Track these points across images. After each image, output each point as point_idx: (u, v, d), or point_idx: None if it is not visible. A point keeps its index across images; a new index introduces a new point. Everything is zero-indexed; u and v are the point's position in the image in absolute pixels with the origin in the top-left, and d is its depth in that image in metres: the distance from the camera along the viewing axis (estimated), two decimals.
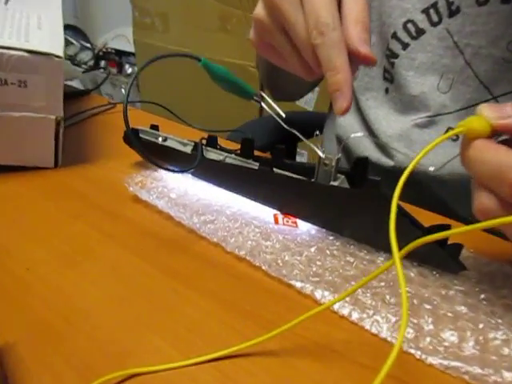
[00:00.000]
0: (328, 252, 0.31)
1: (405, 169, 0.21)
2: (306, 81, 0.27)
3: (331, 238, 0.32)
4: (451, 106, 0.42)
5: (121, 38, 1.97)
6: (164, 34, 1.44)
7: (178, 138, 0.40)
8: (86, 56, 2.07)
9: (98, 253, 0.31)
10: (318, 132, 0.32)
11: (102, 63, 2.06)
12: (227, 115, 1.16)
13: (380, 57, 0.47)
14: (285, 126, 0.33)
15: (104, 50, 2.05)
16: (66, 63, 0.88)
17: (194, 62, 0.30)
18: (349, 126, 0.51)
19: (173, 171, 0.33)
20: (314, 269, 0.29)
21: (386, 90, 0.48)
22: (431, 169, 0.27)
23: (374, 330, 0.25)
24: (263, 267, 0.29)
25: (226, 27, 1.27)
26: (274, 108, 0.34)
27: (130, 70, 1.94)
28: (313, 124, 0.71)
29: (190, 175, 0.39)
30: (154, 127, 0.42)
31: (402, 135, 0.47)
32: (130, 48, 1.78)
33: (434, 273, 0.29)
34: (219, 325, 0.25)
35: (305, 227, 0.33)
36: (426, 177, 0.45)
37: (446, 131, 0.44)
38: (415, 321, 0.25)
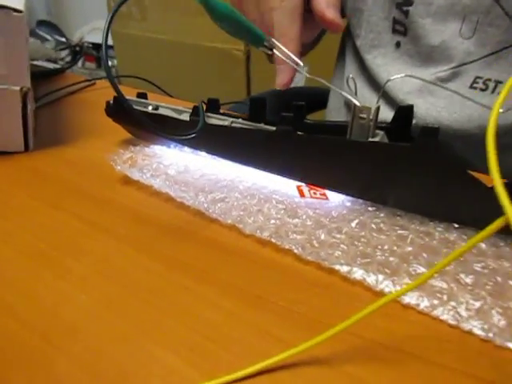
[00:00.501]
0: (374, 226, 0.25)
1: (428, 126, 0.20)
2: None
3: (371, 209, 0.27)
4: (477, 53, 0.38)
5: (97, 31, 1.90)
6: (142, 23, 1.36)
7: (172, 105, 0.34)
8: (62, 52, 1.99)
9: (83, 247, 0.24)
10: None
11: (80, 59, 1.99)
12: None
13: (387, 8, 0.42)
14: (306, 74, 0.27)
15: (80, 44, 1.97)
16: (34, 42, 0.80)
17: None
18: (357, 90, 0.46)
19: (174, 139, 0.27)
20: (361, 247, 0.23)
21: (397, 44, 0.43)
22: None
23: (451, 321, 0.19)
24: (294, 250, 0.23)
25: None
26: (289, 55, 0.28)
27: (109, 64, 1.88)
28: (317, 98, 0.67)
29: (189, 149, 0.34)
30: (142, 95, 0.35)
31: (422, 90, 0.42)
32: (108, 41, 1.71)
33: (509, 242, 0.23)
34: (248, 329, 0.19)
35: (337, 199, 0.28)
36: (451, 135, 0.41)
37: (473, 82, 0.40)
38: (505, 304, 0.19)
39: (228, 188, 0.28)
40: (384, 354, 0.18)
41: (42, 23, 2.02)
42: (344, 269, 0.22)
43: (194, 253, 0.24)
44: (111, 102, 0.34)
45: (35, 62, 0.61)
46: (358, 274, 0.22)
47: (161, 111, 0.33)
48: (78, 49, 1.95)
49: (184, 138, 0.26)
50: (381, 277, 0.21)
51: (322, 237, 0.24)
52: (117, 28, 1.45)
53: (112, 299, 0.21)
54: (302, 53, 0.56)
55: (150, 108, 0.33)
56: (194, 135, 0.26)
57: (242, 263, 0.23)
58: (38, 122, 0.41)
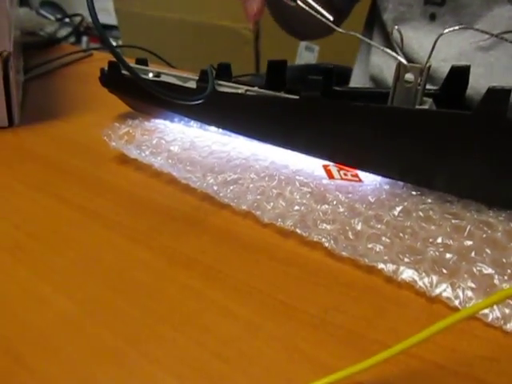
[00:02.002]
0: (421, 214, 0.21)
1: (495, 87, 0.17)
2: (312, 21, 0.24)
3: (415, 193, 0.23)
4: None
5: (102, 11, 1.87)
6: (148, 0, 1.31)
7: (176, 72, 0.30)
8: (66, 32, 1.96)
9: (68, 238, 0.21)
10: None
11: (84, 39, 1.96)
12: None
13: None
14: (336, 28, 0.22)
15: (85, 25, 1.94)
16: (27, 12, 0.75)
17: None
18: (384, 63, 0.45)
19: (179, 101, 0.23)
20: (408, 241, 0.19)
21: (432, 16, 0.40)
22: None
23: None
24: (325, 244, 0.19)
25: None
26: (317, 9, 0.23)
27: (114, 44, 1.85)
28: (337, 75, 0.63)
29: (195, 124, 0.30)
30: (142, 62, 0.32)
31: (461, 56, 0.39)
32: (113, 21, 1.67)
33: None
34: (271, 344, 0.15)
35: (371, 181, 0.24)
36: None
37: None
38: None
39: (242, 168, 0.25)
40: (449, 380, 0.14)
41: (45, 4, 1.98)
42: (388, 267, 0.18)
43: (202, 246, 0.20)
44: (106, 69, 0.30)
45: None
46: (406, 274, 0.18)
47: (163, 78, 0.29)
48: (81, 29, 1.92)
49: (191, 102, 0.23)
50: (435, 278, 0.17)
51: (359, 227, 0.20)
52: (121, 6, 1.40)
53: (100, 304, 0.17)
54: (339, 20, 0.53)
55: (151, 75, 0.30)
56: (201, 100, 0.23)
57: (259, 259, 0.19)
58: (28, 95, 0.38)
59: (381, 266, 0.18)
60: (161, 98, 0.21)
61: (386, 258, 0.18)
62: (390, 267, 0.18)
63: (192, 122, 0.30)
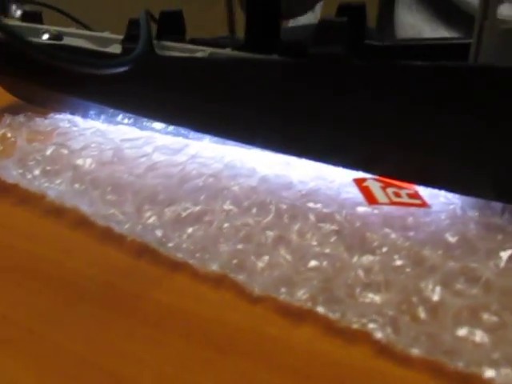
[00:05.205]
0: None
1: None
2: None
3: None
4: None
5: None
6: None
7: (90, 32, 0.31)
8: None
9: None
10: None
11: None
12: None
13: None
14: None
15: None
16: None
17: None
18: (422, 21, 0.51)
19: (86, 65, 0.25)
20: None
21: None
22: None
23: None
24: (376, 334, 0.17)
25: None
26: None
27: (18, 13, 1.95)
28: None
29: (126, 119, 0.29)
30: (31, 17, 0.32)
31: None
32: None
33: None
34: None
35: (445, 204, 0.22)
36: None
37: None
38: None
39: (208, 192, 0.23)
40: None
41: None
42: (504, 375, 0.15)
43: (136, 351, 0.17)
44: None
45: None
46: None
47: (68, 42, 0.30)
48: None
49: (105, 70, 0.23)
50: None
51: (435, 296, 0.18)
52: None
53: None
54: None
55: (46, 37, 0.30)
56: (125, 67, 0.23)
57: (248, 370, 0.16)
58: None
59: (488, 372, 0.15)
60: (58, 75, 0.22)
61: (495, 355, 0.15)
62: (508, 374, 0.15)
63: (120, 117, 0.29)
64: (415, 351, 0.16)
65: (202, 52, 0.26)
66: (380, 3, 0.59)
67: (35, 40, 0.29)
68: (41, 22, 0.32)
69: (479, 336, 0.16)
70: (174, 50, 0.27)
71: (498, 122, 0.20)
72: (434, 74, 0.20)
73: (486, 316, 0.17)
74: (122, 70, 0.23)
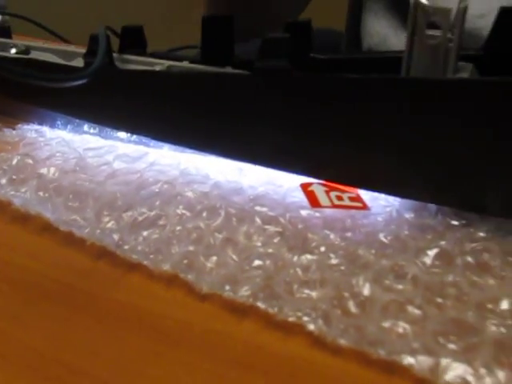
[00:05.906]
0: (470, 260, 0.20)
1: None
2: None
3: (457, 223, 0.22)
4: None
5: None
6: None
7: (57, 45, 0.32)
8: None
9: None
10: None
11: None
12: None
13: None
14: None
15: None
16: None
17: None
18: (388, 29, 0.52)
19: (45, 80, 0.25)
20: (453, 311, 0.18)
21: None
22: None
23: None
24: (309, 326, 0.18)
25: None
26: None
27: None
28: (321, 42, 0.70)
29: (92, 129, 0.30)
30: (1, 31, 0.33)
31: (489, 13, 0.43)
32: None
33: None
34: None
35: (384, 206, 0.23)
36: None
37: None
38: None
39: (163, 198, 0.24)
40: None
41: None
42: (421, 363, 0.16)
43: (94, 345, 0.18)
44: None
45: None
46: (453, 372, 0.16)
47: (35, 55, 0.30)
48: None
49: (63, 84, 0.24)
50: (503, 375, 0.16)
51: (366, 291, 0.19)
52: None
53: None
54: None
55: (14, 51, 0.31)
56: (80, 81, 0.24)
57: (195, 362, 0.18)
58: None
59: (408, 360, 0.16)
60: (26, 87, 0.23)
61: (415, 345, 0.17)
62: (425, 362, 0.16)
63: (86, 126, 0.30)
64: (344, 342, 0.17)
65: (161, 65, 0.27)
66: (348, 11, 0.60)
67: (3, 54, 0.30)
68: (9, 36, 0.32)
69: (402, 327, 0.17)
70: (135, 63, 0.28)
71: (428, 129, 0.21)
72: (366, 85, 0.21)
73: (410, 309, 0.18)
74: (80, 82, 0.23)
